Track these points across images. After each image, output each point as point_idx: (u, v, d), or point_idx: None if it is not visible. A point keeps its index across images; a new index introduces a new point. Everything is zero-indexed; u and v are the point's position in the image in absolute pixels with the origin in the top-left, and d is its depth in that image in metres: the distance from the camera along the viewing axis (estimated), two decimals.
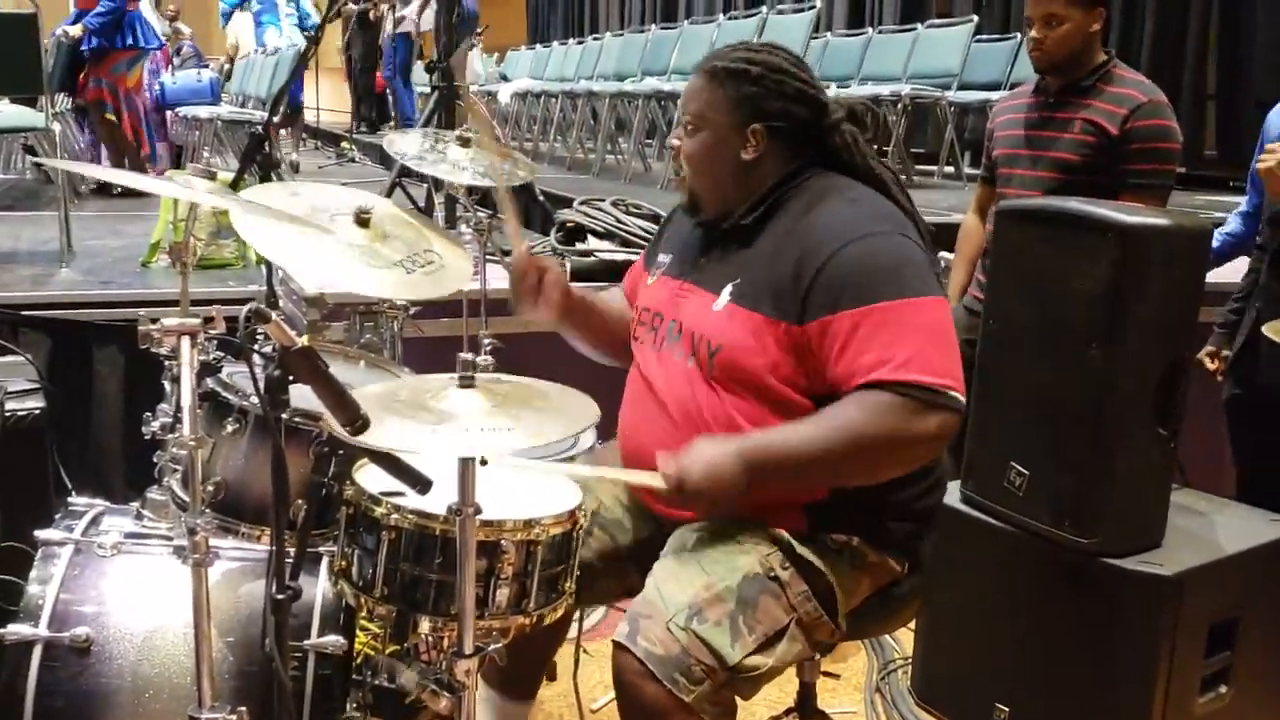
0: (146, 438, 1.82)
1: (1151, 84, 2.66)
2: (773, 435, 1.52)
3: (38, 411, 2.37)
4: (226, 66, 10.96)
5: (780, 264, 1.57)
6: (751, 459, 1.48)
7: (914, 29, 6.29)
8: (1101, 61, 2.67)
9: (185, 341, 1.22)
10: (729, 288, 1.62)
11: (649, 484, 1.54)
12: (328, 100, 11.31)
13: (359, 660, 1.70)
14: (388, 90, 9.77)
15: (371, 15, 8.90)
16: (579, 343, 1.88)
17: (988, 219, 2.80)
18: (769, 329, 1.55)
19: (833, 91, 2.39)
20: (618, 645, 1.49)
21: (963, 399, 1.51)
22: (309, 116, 11.43)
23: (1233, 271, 2.90)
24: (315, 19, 9.75)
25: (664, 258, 1.81)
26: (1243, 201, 2.77)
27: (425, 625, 1.46)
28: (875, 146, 1.73)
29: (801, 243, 1.57)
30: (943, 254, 2.89)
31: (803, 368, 1.55)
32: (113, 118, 5.49)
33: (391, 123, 9.47)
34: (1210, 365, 2.69)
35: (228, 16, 10.93)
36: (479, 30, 10.42)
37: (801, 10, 6.57)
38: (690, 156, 1.68)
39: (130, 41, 5.36)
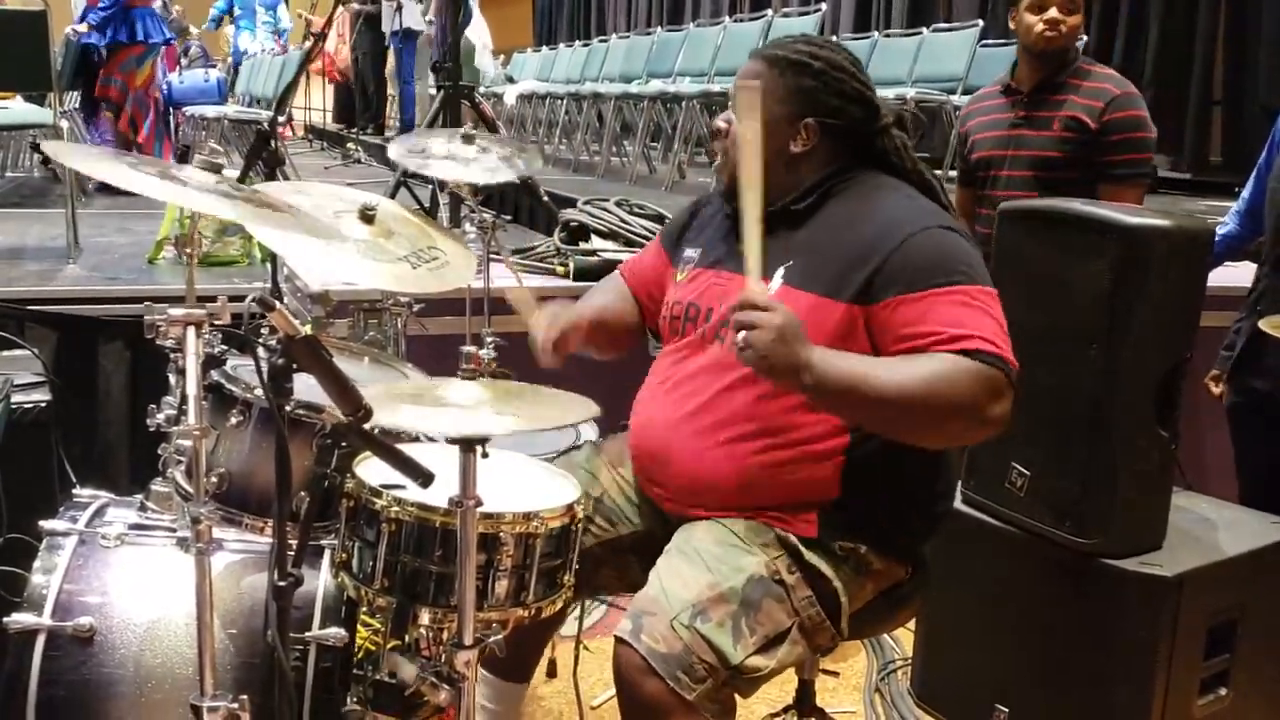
0: (151, 430, 1.83)
1: (1120, 76, 2.73)
2: (854, 356, 1.51)
3: (44, 405, 2.39)
4: (231, 72, 11.02)
5: (840, 247, 1.57)
6: (824, 355, 1.45)
7: (919, 33, 6.28)
8: (1073, 57, 2.74)
9: (190, 331, 1.23)
10: (781, 270, 1.60)
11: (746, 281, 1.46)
12: (331, 101, 11.33)
13: (360, 655, 1.71)
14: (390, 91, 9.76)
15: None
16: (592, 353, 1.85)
17: (973, 221, 2.83)
18: (825, 308, 1.55)
19: None
20: (620, 640, 1.49)
21: None
22: (314, 118, 11.48)
23: (1233, 275, 2.89)
24: (288, 25, 9.82)
25: (691, 252, 1.78)
26: (1239, 201, 2.75)
27: (425, 617, 1.47)
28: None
29: (863, 228, 1.57)
30: None
31: (857, 347, 1.54)
32: (110, 114, 5.54)
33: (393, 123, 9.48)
34: (1214, 390, 2.62)
35: (218, 22, 11.05)
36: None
37: (807, 13, 6.59)
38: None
39: (133, 37, 5.39)
